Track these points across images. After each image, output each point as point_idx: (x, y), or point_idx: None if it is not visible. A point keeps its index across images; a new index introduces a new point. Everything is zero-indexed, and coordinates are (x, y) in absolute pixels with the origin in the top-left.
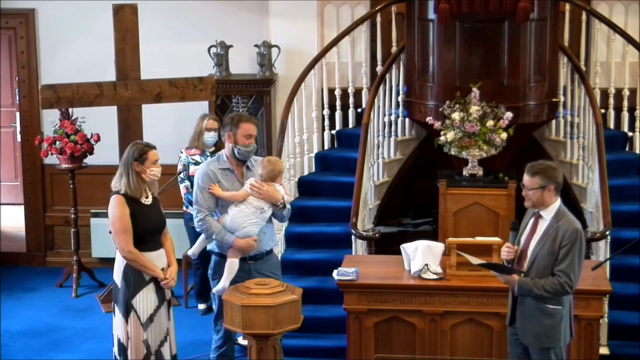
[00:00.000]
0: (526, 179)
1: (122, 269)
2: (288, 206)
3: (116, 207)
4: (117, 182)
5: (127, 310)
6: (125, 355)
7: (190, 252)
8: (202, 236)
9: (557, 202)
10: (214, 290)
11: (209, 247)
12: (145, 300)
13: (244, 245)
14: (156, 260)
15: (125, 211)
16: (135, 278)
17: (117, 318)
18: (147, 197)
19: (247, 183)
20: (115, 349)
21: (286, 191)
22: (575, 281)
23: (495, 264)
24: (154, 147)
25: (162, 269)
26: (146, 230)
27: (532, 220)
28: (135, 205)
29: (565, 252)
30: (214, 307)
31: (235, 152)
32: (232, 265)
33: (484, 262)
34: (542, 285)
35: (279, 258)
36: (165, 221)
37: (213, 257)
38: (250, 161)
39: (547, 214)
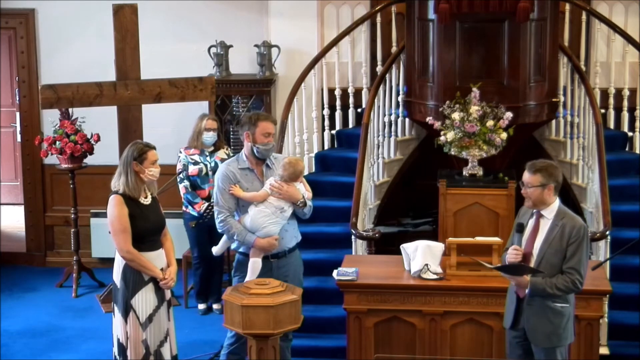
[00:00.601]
0: (527, 176)
1: (121, 269)
2: (309, 203)
3: (115, 207)
4: (116, 182)
5: (127, 310)
6: (124, 356)
7: (214, 250)
8: (224, 237)
9: (557, 201)
10: None
11: (232, 245)
12: (145, 300)
13: (265, 244)
14: (155, 260)
15: (124, 211)
16: (135, 278)
17: (117, 318)
18: (146, 197)
19: (267, 183)
20: (115, 349)
21: (307, 188)
22: (585, 277)
23: (510, 266)
24: (154, 148)
25: (162, 269)
26: (145, 231)
27: (532, 220)
28: (134, 205)
29: (574, 249)
30: None
31: (255, 151)
32: (255, 264)
33: (499, 265)
34: (554, 284)
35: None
36: (165, 221)
37: (237, 256)
38: (270, 159)
39: (549, 213)
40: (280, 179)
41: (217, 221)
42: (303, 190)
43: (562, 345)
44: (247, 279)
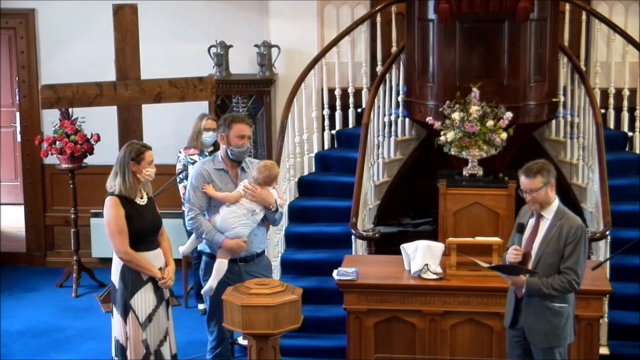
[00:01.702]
0: (527, 182)
1: (120, 269)
2: (281, 210)
3: (111, 208)
4: (112, 182)
5: (126, 310)
6: (124, 356)
7: (181, 250)
8: (194, 235)
9: (557, 201)
10: (202, 291)
11: (199, 247)
12: (144, 300)
13: (234, 246)
14: (153, 260)
15: (120, 212)
16: (133, 278)
17: (116, 318)
18: (142, 198)
19: (240, 185)
20: (113, 350)
21: (280, 195)
22: (582, 278)
23: (505, 266)
24: (150, 148)
25: (160, 269)
26: (142, 231)
27: (532, 220)
28: (130, 206)
29: (571, 249)
30: (207, 307)
31: (229, 153)
32: (220, 265)
33: (494, 264)
34: (550, 284)
35: (279, 258)
36: (162, 221)
37: (203, 258)
38: (245, 162)
39: (548, 213)
40: (254, 182)
41: (187, 218)
42: (276, 195)
43: (560, 345)
44: (211, 279)
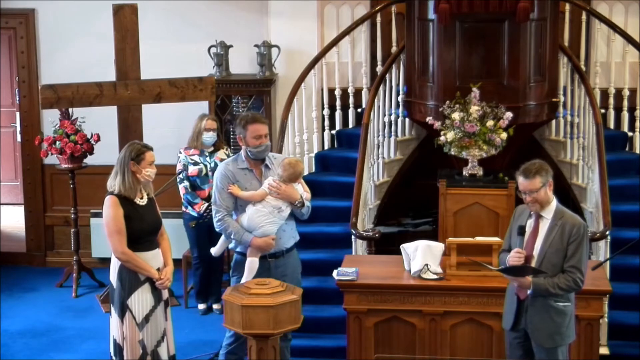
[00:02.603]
0: (527, 183)
1: (117, 269)
2: (307, 204)
3: (110, 208)
4: (112, 182)
5: (123, 310)
6: (121, 356)
7: (213, 251)
8: (223, 236)
9: (555, 201)
10: None
11: (230, 245)
12: (141, 300)
13: (262, 244)
14: (151, 260)
15: (119, 212)
16: (131, 278)
17: (113, 318)
18: (142, 198)
19: (265, 182)
20: (112, 350)
21: (305, 188)
22: (585, 275)
23: (513, 267)
24: (151, 149)
25: (158, 269)
26: (141, 231)
27: (531, 221)
28: (129, 206)
29: (575, 248)
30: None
31: (249, 154)
32: (252, 264)
33: (502, 267)
34: (556, 284)
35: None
36: (161, 221)
37: (235, 256)
38: (269, 158)
39: (548, 213)
40: (279, 179)
41: (214, 220)
42: (301, 190)
43: (564, 344)
44: (244, 278)
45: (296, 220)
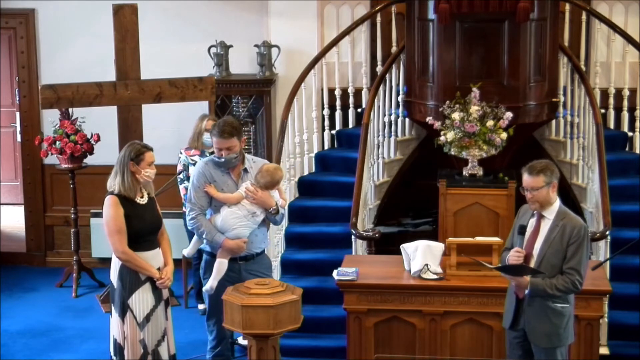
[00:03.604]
0: (530, 180)
1: (118, 269)
2: (282, 211)
3: (110, 207)
4: (112, 182)
5: (124, 310)
6: (122, 355)
7: (185, 252)
8: (196, 237)
9: (558, 201)
10: (203, 289)
11: (201, 245)
12: (141, 300)
13: (234, 246)
14: (152, 260)
15: (119, 212)
16: (131, 278)
17: (114, 318)
18: (142, 197)
19: (242, 186)
20: (112, 349)
21: (282, 195)
22: (584, 278)
23: (511, 266)
24: (151, 149)
25: (158, 269)
26: (141, 230)
27: (533, 221)
28: (130, 206)
29: (574, 250)
30: (206, 307)
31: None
32: (220, 265)
33: (499, 265)
34: (554, 285)
35: (279, 258)
36: (162, 221)
37: (204, 256)
38: (248, 162)
39: (550, 214)
40: (256, 184)
41: (187, 218)
42: (277, 197)
43: (562, 345)
44: (211, 279)
45: (296, 221)
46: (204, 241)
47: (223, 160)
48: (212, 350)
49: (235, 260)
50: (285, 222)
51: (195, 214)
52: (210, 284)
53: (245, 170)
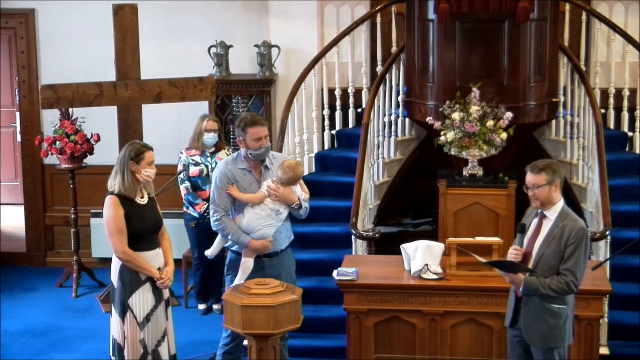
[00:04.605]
0: (531, 177)
1: (118, 269)
2: (305, 205)
3: (110, 207)
4: (112, 181)
5: (124, 310)
6: (122, 355)
7: (208, 253)
8: (219, 237)
9: (561, 202)
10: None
11: (226, 244)
12: (142, 300)
13: (259, 246)
14: (152, 260)
15: (120, 212)
16: (131, 278)
17: (114, 318)
18: (142, 197)
19: (264, 184)
20: (111, 349)
21: (304, 189)
22: (580, 280)
23: (504, 262)
24: (151, 149)
25: (159, 269)
26: (141, 230)
27: (535, 220)
28: (130, 206)
29: (571, 251)
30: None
31: (249, 156)
32: (246, 264)
33: (492, 260)
34: (548, 285)
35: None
36: (162, 221)
37: (229, 254)
38: (269, 158)
39: (552, 214)
40: (278, 181)
41: (212, 220)
42: (299, 191)
43: (558, 346)
44: (237, 278)
45: (295, 221)
46: (229, 241)
47: (262, 150)
48: (224, 347)
49: (259, 257)
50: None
51: (219, 215)
52: (237, 283)
53: (266, 167)
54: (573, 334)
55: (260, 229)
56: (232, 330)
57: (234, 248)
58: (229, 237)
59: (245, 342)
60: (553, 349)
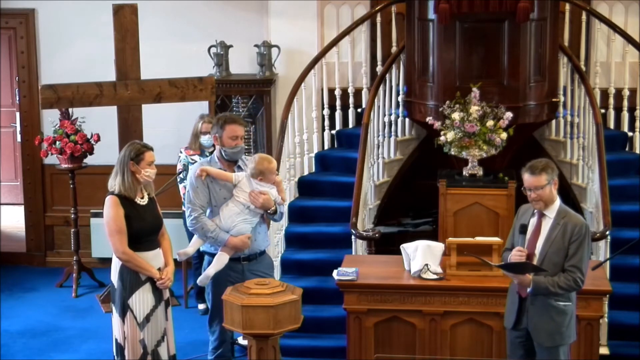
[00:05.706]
0: (533, 179)
1: (119, 269)
2: (280, 209)
3: (110, 208)
4: (112, 182)
5: (124, 310)
6: (122, 355)
7: (181, 252)
8: (195, 237)
9: (558, 200)
10: (198, 280)
11: (202, 248)
12: (142, 300)
13: (239, 243)
14: (152, 260)
15: (120, 212)
16: (132, 278)
17: (115, 318)
18: (142, 198)
19: (238, 174)
20: (114, 349)
21: (282, 194)
22: (586, 275)
23: (514, 264)
24: (152, 149)
25: (159, 269)
26: (142, 231)
27: (534, 220)
28: (130, 206)
29: (576, 247)
30: (209, 307)
31: (223, 154)
32: (221, 257)
33: (502, 263)
34: (556, 283)
35: (279, 258)
36: (162, 221)
37: (206, 257)
38: (242, 160)
39: (551, 213)
40: (252, 173)
41: (188, 219)
42: (275, 194)
43: (565, 343)
44: (210, 268)
45: (296, 221)
46: (205, 242)
47: (237, 149)
48: (214, 351)
49: (238, 261)
50: (285, 222)
51: (196, 214)
52: (207, 273)
53: (239, 167)
54: (575, 332)
55: (237, 225)
56: (218, 333)
57: (210, 251)
58: (208, 235)
59: (244, 342)
60: (559, 346)
